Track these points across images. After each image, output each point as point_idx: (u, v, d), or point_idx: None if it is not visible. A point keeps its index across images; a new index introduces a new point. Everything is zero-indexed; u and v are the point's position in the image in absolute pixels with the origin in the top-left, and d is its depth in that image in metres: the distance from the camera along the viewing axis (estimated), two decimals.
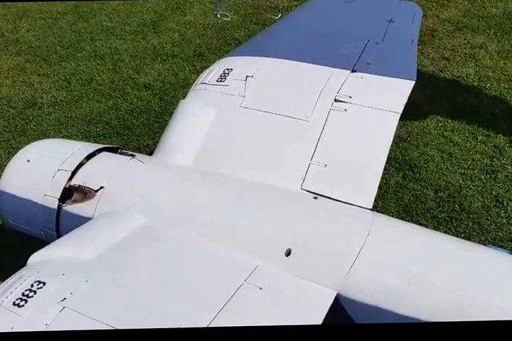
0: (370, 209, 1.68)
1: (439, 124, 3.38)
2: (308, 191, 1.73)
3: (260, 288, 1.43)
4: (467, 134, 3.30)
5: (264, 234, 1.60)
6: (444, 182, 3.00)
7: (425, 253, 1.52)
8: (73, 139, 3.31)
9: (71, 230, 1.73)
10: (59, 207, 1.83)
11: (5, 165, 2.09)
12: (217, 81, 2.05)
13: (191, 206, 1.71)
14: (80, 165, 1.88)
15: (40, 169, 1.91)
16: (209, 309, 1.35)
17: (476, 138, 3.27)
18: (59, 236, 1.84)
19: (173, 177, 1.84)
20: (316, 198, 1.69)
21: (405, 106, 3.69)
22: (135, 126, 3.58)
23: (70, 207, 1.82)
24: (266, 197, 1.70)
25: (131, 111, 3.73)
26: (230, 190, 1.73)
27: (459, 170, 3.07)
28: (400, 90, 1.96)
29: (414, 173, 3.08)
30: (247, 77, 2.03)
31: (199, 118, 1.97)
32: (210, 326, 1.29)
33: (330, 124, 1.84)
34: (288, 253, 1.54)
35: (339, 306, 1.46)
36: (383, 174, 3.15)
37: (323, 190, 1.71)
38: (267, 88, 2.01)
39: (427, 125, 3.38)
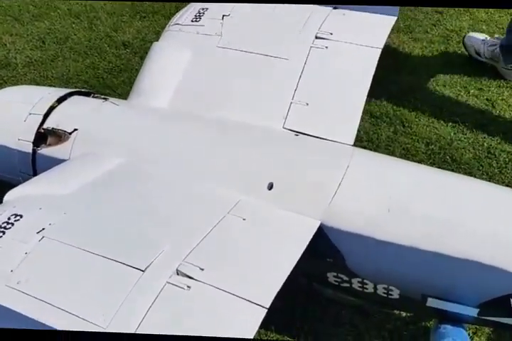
0: (352, 145, 1.73)
1: (431, 79, 3.42)
2: (290, 130, 1.77)
3: (243, 219, 1.49)
4: (459, 88, 3.35)
5: (245, 169, 1.65)
6: (435, 136, 3.06)
7: (407, 182, 1.58)
8: None
9: None
10: (34, 150, 1.86)
11: None
12: (191, 21, 2.07)
13: (169, 144, 1.75)
14: (52, 108, 1.91)
15: (10, 114, 1.95)
16: (192, 237, 1.39)
17: (468, 92, 3.32)
18: None
19: (149, 117, 1.88)
20: (297, 135, 1.73)
21: (397, 61, 3.71)
22: (115, 85, 3.58)
23: (45, 150, 1.86)
24: (246, 134, 1.75)
25: (110, 69, 3.73)
26: (209, 128, 1.78)
27: (451, 124, 3.13)
28: (382, 26, 1.99)
29: (405, 128, 3.14)
30: (223, 16, 2.05)
31: (174, 59, 1.99)
32: (194, 251, 1.34)
33: (311, 62, 1.87)
34: (270, 186, 1.59)
35: (324, 235, 1.52)
36: (374, 129, 3.26)
37: (305, 128, 1.76)
38: (244, 27, 2.03)
39: (419, 79, 3.42)
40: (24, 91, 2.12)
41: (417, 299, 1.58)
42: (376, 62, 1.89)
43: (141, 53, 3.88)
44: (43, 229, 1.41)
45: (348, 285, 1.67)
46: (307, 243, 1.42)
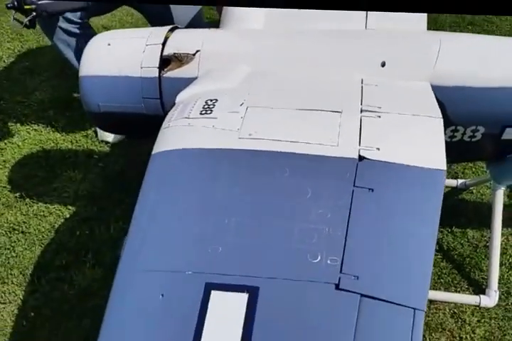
0: None
1: None
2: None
3: (376, 85, 1.96)
4: None
5: (358, 53, 2.11)
6: None
7: (491, 43, 2.12)
8: None
9: (175, 95, 2.08)
10: (159, 76, 2.16)
11: None
12: None
13: (287, 47, 2.14)
14: (166, 38, 2.22)
15: (126, 48, 2.22)
16: (352, 101, 1.83)
17: None
18: (163, 103, 2.17)
19: (258, 32, 2.26)
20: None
21: None
22: None
23: (171, 73, 2.17)
24: (346, 30, 2.21)
25: None
26: (313, 31, 2.20)
27: None
28: None
29: None
30: None
31: None
32: (363, 106, 1.79)
33: None
34: (383, 64, 2.07)
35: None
36: None
37: (384, 26, 2.26)
38: None
39: None
40: (125, 32, 2.38)
41: (495, 133, 2.12)
42: None
43: None
44: (243, 103, 1.77)
45: None
46: (434, 99, 1.91)
